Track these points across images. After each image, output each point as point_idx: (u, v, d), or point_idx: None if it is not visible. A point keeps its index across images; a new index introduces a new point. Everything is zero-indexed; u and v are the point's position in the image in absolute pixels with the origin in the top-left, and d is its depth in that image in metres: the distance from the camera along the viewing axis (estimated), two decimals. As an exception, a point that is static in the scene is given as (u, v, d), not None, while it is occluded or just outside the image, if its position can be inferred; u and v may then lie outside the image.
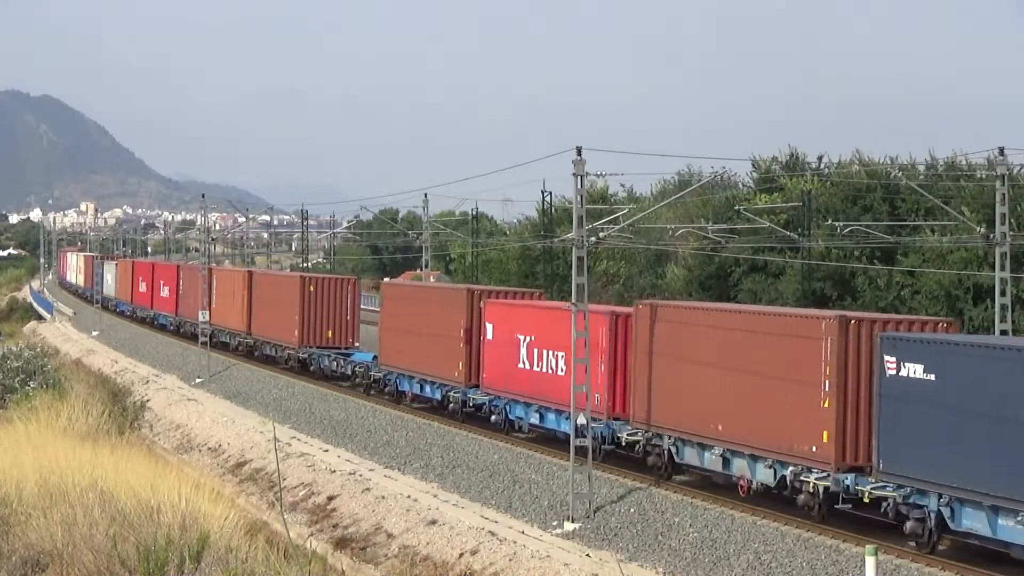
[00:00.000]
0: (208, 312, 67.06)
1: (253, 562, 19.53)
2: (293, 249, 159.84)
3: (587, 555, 28.29)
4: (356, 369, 50.90)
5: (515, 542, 29.53)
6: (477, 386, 41.31)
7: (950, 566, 24.67)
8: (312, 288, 54.69)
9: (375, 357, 49.25)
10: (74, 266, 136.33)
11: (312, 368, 54.50)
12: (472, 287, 45.45)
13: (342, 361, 52.62)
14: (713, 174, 59.71)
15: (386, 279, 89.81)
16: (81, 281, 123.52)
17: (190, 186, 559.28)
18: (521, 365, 38.35)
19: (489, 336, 40.48)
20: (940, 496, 24.68)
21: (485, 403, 40.80)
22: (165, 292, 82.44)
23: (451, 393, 42.70)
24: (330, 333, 54.34)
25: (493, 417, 40.39)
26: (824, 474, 27.18)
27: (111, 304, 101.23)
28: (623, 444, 33.81)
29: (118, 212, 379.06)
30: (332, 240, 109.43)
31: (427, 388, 45.03)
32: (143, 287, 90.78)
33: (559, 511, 31.74)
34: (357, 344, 54.39)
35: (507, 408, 39.76)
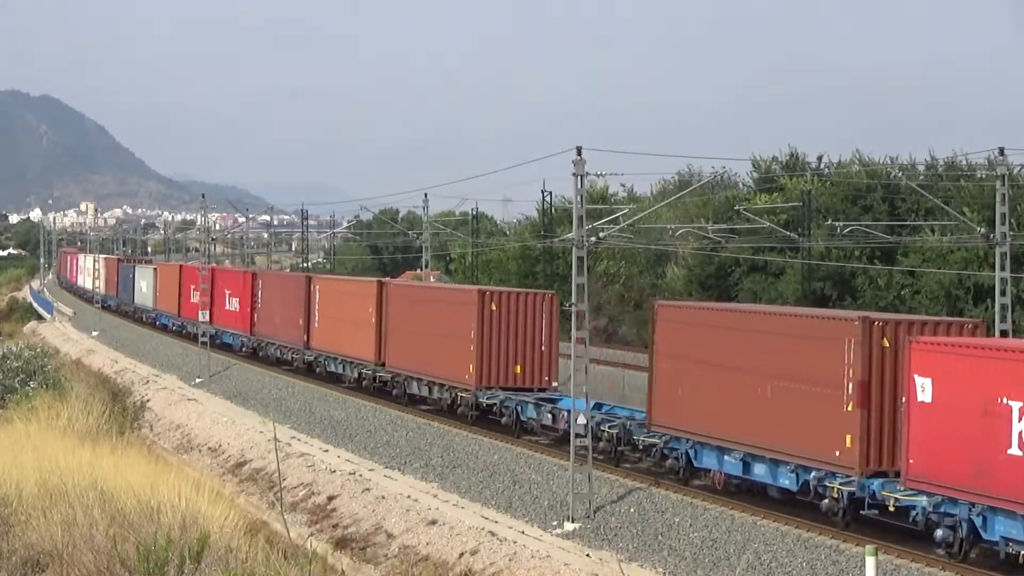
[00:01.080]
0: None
1: (253, 562, 19.51)
2: (293, 249, 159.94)
3: (587, 555, 28.29)
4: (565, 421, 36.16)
5: (515, 542, 29.52)
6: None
7: (950, 566, 24.67)
8: (495, 307, 40.67)
9: (597, 405, 36.93)
10: (88, 269, 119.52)
11: (505, 421, 40.13)
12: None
13: (545, 410, 38.64)
14: (713, 174, 59.80)
15: (386, 279, 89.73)
16: (100, 287, 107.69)
17: (190, 186, 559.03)
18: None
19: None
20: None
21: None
22: (233, 305, 68.03)
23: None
24: (519, 368, 40.77)
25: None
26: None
27: (148, 316, 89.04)
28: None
29: (118, 212, 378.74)
30: (332, 240, 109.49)
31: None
32: (196, 298, 74.08)
33: (559, 511, 31.73)
34: (555, 384, 41.00)
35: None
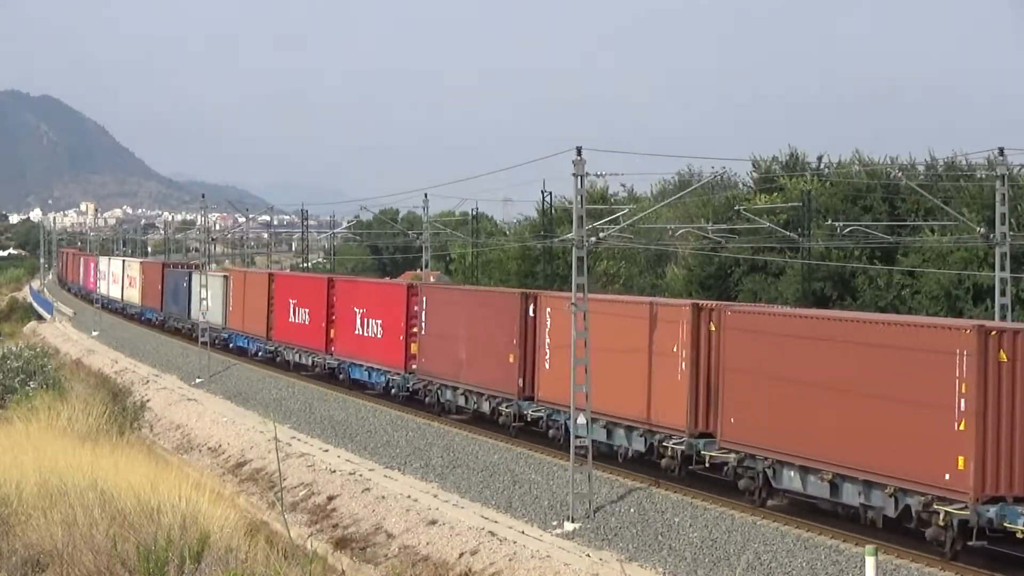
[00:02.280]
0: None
1: (253, 562, 19.48)
2: (293, 249, 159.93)
3: (587, 555, 28.29)
4: None
5: (515, 542, 29.52)
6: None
7: (950, 566, 24.67)
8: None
9: None
10: (115, 275, 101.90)
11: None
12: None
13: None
14: (713, 174, 59.74)
15: (387, 279, 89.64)
16: (133, 297, 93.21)
17: (190, 186, 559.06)
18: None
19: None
20: None
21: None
22: (372, 329, 49.77)
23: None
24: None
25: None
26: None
27: (220, 337, 67.66)
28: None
29: (118, 212, 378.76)
30: (332, 240, 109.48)
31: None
32: (301, 316, 56.96)
33: (559, 511, 31.73)
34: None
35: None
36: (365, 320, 50.26)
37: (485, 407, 41.26)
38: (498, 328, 40.08)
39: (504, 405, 39.90)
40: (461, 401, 43.29)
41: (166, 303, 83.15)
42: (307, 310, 56.47)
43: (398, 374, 47.38)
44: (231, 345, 67.34)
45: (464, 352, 42.64)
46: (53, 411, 41.00)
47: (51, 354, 65.99)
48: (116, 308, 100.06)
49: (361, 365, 50.97)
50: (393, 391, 48.16)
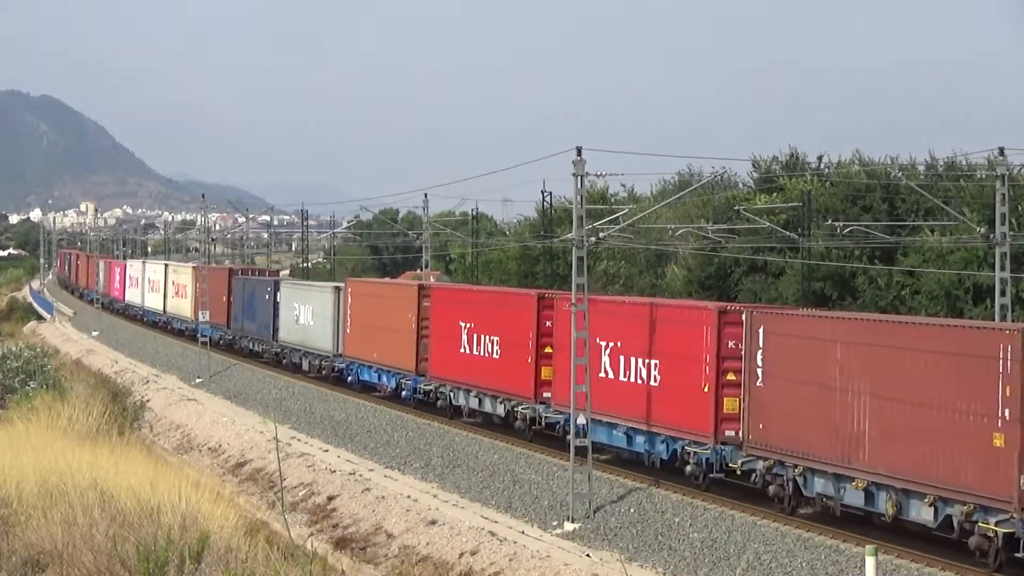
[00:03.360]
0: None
1: (253, 562, 19.50)
2: (293, 249, 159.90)
3: (587, 555, 28.29)
4: None
5: (515, 542, 29.53)
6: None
7: (950, 566, 24.65)
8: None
9: None
10: (150, 281, 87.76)
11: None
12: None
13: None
14: (713, 174, 59.65)
15: (388, 279, 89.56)
16: (181, 310, 78.99)
17: (190, 186, 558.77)
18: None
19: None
20: None
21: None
22: (646, 377, 33.31)
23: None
24: None
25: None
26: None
27: (331, 366, 53.85)
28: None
29: (118, 212, 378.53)
30: (332, 240, 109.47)
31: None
32: (488, 349, 40.80)
33: (559, 511, 31.73)
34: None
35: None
36: (618, 354, 34.64)
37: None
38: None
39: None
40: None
41: (235, 318, 68.15)
42: (496, 338, 40.46)
43: None
44: (349, 378, 52.01)
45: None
46: (53, 411, 41.04)
47: (51, 354, 66.13)
48: (155, 321, 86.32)
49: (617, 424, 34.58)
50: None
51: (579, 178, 30.83)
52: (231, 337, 69.05)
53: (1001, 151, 35.02)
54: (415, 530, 32.12)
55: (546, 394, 37.38)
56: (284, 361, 59.44)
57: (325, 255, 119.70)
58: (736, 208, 51.52)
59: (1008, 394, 22.99)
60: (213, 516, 23.79)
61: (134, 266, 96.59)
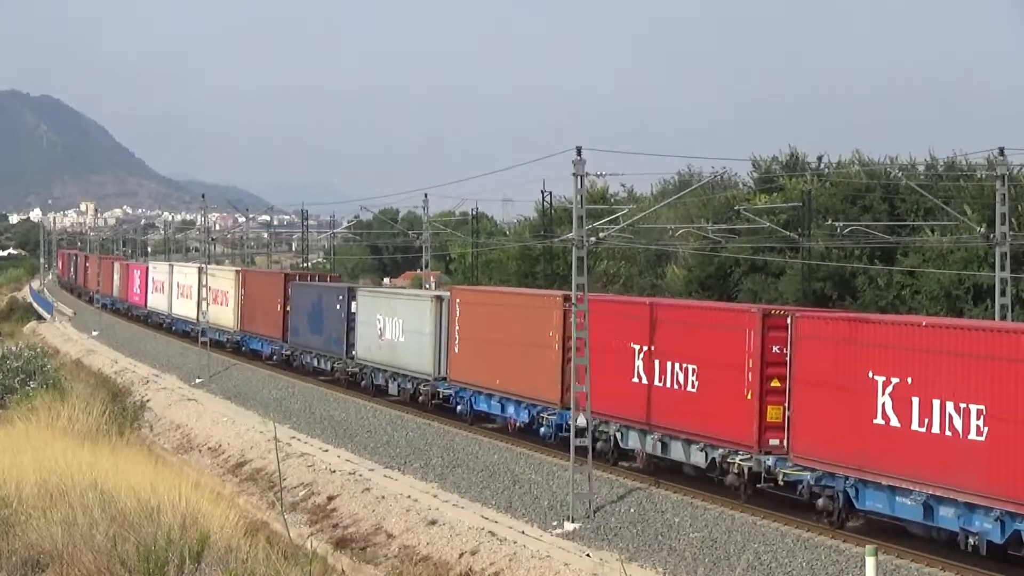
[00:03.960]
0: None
1: (253, 562, 19.48)
2: (293, 249, 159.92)
3: (587, 555, 28.30)
4: None
5: (515, 542, 29.53)
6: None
7: (950, 566, 24.65)
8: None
9: None
10: (179, 287, 78.69)
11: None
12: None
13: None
14: (713, 174, 59.63)
15: (395, 280, 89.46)
16: (222, 319, 68.57)
17: (190, 186, 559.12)
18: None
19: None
20: None
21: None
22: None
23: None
24: None
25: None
26: None
27: (455, 400, 43.49)
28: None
29: (118, 212, 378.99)
30: (332, 240, 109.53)
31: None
32: (679, 379, 32.31)
33: (559, 511, 31.73)
34: None
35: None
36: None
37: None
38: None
39: None
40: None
41: (294, 331, 58.70)
42: (695, 367, 31.86)
43: None
44: (459, 408, 43.39)
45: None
46: (53, 411, 40.99)
47: (51, 354, 66.05)
48: (185, 331, 76.68)
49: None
50: None
51: (579, 178, 30.84)
52: (287, 352, 59.65)
53: (1001, 151, 35.03)
54: (415, 530, 32.12)
55: (773, 440, 29.52)
56: (363, 383, 50.68)
57: (325, 255, 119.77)
58: (736, 208, 51.54)
59: None
60: (213, 516, 23.77)
61: (158, 269, 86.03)
